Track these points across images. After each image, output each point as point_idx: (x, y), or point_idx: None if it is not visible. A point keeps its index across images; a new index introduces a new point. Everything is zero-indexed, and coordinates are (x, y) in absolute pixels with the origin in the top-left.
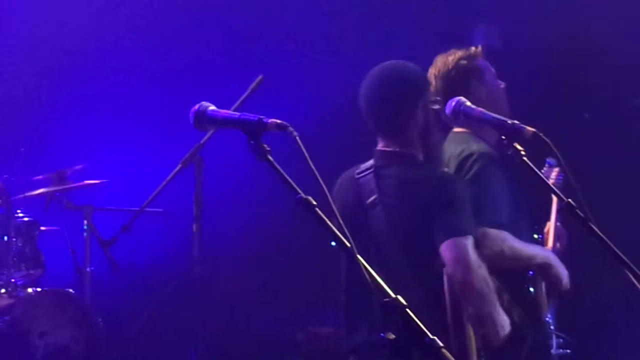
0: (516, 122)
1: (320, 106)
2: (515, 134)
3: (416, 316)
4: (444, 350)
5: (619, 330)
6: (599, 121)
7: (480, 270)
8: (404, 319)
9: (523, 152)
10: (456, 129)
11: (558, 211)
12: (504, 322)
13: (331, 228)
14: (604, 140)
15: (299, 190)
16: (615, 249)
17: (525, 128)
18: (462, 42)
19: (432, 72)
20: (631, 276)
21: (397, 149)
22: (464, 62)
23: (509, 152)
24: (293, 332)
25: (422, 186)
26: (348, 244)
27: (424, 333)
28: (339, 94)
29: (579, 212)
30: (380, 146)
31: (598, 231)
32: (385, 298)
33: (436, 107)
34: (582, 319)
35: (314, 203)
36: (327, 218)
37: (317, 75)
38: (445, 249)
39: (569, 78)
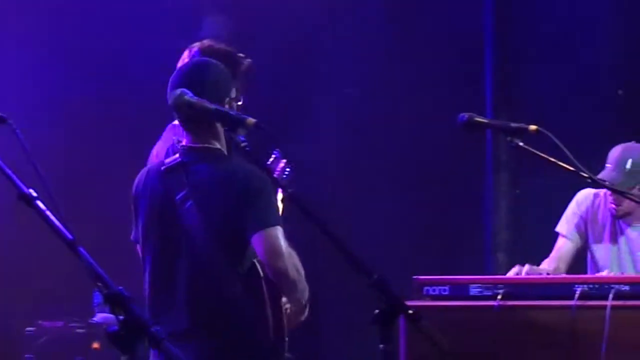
0: (239, 113)
1: (54, 100)
2: (237, 124)
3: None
4: (166, 342)
5: (345, 326)
6: (319, 110)
7: (292, 259)
8: (125, 311)
9: (244, 143)
10: (175, 122)
11: (282, 202)
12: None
13: (52, 222)
14: (324, 130)
15: (20, 185)
16: (340, 240)
17: (247, 118)
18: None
19: (200, 50)
20: (353, 268)
21: (205, 145)
22: (234, 60)
23: (235, 142)
24: (23, 327)
25: (232, 180)
26: (70, 238)
27: (147, 324)
28: (71, 88)
29: (301, 202)
30: (186, 142)
31: (321, 222)
32: (107, 290)
33: (240, 103)
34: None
35: (35, 195)
36: (51, 212)
37: (53, 69)
38: (258, 241)
39: (291, 70)
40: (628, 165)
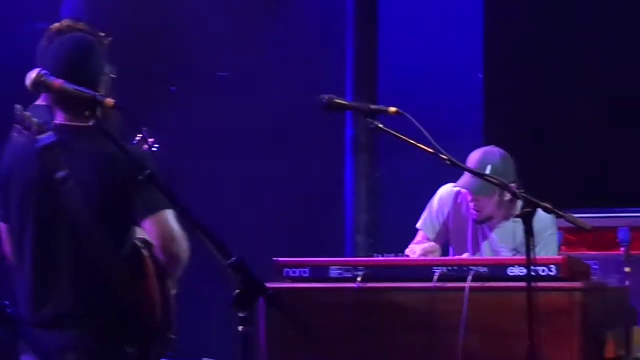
0: (98, 94)
1: None
2: (97, 105)
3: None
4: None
5: (205, 304)
6: (191, 94)
7: (184, 242)
8: None
9: (101, 124)
10: (38, 102)
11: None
12: None
13: None
14: (195, 112)
15: None
16: (200, 222)
17: (105, 99)
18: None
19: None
20: (212, 247)
21: (82, 124)
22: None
23: (91, 124)
24: None
25: (121, 162)
26: None
27: None
28: None
29: (160, 183)
30: (60, 120)
31: (180, 203)
32: None
33: (114, 76)
34: None
35: None
36: None
37: None
38: (150, 226)
39: (159, 55)
40: (487, 172)
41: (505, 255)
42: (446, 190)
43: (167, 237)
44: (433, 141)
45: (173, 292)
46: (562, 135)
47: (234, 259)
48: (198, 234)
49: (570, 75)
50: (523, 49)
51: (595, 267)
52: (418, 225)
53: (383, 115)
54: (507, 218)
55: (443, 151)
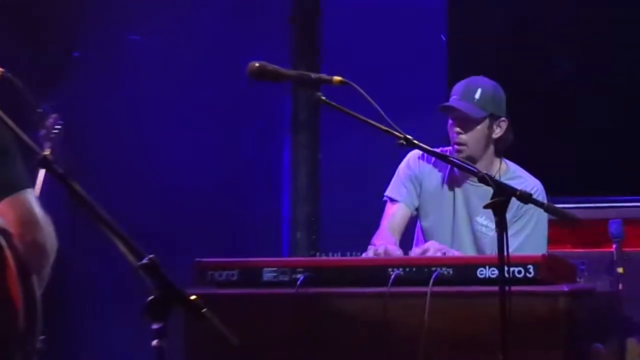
0: None
1: None
2: None
3: None
4: None
5: (104, 298)
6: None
7: (50, 228)
8: None
9: None
10: None
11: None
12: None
13: None
14: (104, 80)
15: None
16: (98, 209)
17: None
18: None
19: None
20: (115, 239)
21: None
22: None
23: None
24: None
25: None
26: None
27: None
28: None
29: (56, 166)
30: None
31: (78, 188)
32: None
33: None
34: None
35: None
36: None
37: None
38: (7, 207)
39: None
40: (477, 95)
41: (483, 222)
42: (415, 154)
43: (26, 222)
44: (385, 116)
45: (39, 292)
46: (537, 105)
47: (145, 258)
48: (103, 229)
49: (545, 39)
50: (488, 10)
51: (582, 267)
52: (387, 193)
53: (326, 86)
54: (488, 169)
55: (398, 128)
